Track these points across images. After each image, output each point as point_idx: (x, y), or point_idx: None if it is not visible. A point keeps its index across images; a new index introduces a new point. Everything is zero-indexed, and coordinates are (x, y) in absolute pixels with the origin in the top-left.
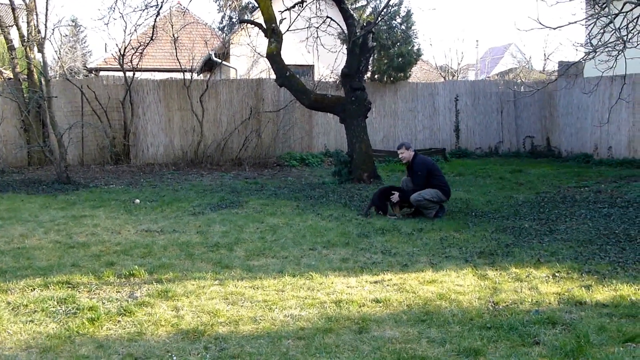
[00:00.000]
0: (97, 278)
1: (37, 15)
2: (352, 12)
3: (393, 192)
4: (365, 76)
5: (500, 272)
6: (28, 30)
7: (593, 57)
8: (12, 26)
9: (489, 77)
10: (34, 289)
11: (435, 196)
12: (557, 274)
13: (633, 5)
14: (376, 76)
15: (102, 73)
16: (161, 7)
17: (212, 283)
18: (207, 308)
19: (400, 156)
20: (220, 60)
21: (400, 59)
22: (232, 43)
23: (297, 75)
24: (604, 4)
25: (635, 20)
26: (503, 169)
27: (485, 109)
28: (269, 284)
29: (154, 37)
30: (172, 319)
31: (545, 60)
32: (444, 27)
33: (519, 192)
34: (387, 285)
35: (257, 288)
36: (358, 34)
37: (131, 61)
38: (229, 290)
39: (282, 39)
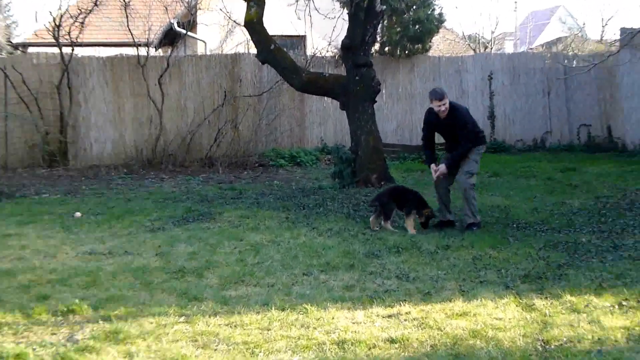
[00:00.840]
0: (25, 316)
1: None
2: None
3: (415, 198)
4: (373, 49)
5: (550, 301)
6: None
7: None
8: None
9: (531, 48)
10: None
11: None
12: (624, 303)
13: None
14: (387, 49)
15: (31, 49)
16: None
17: (176, 320)
18: (170, 354)
19: (441, 109)
20: (184, 31)
21: (417, 26)
22: (199, 8)
23: (285, 49)
24: None
25: None
26: (552, 167)
27: (528, 89)
28: (251, 320)
29: (98, 2)
30: None
31: (603, 26)
32: None
33: (572, 197)
34: (405, 320)
35: (236, 326)
36: None
37: (69, 34)
38: (199, 329)
39: (264, 3)
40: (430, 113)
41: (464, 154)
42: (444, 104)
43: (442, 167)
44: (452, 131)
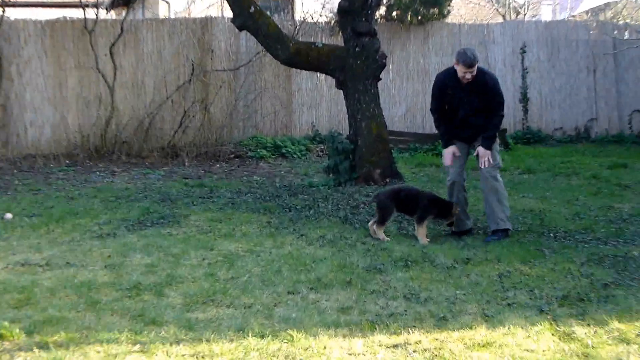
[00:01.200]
0: None
1: None
2: None
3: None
4: (377, 13)
5: (594, 329)
6: None
7: None
8: None
9: (573, 16)
10: None
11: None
12: None
13: None
14: (394, 13)
15: None
16: None
17: (129, 349)
18: None
19: (466, 76)
20: None
21: None
22: None
23: (268, 13)
24: None
25: None
26: (597, 163)
27: (569, 66)
28: (223, 350)
29: None
30: None
31: None
32: None
33: (623, 200)
34: (414, 351)
35: (203, 357)
36: None
37: None
38: None
39: None
40: (447, 75)
41: (497, 132)
42: (471, 72)
43: (483, 150)
44: (475, 101)
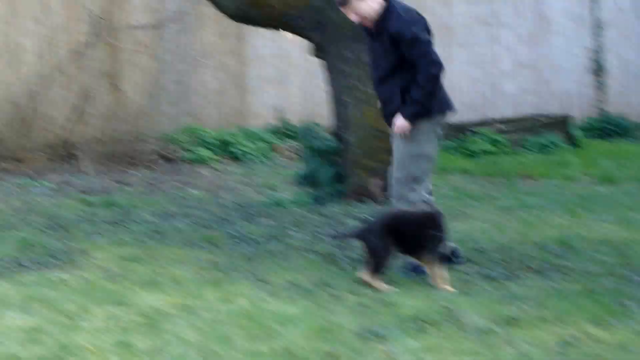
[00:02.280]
0: None
1: None
2: None
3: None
4: None
5: None
6: None
7: None
8: None
9: None
10: None
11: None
12: None
13: None
14: None
15: None
16: None
17: None
18: None
19: (351, 17)
20: None
21: None
22: None
23: None
24: None
25: None
26: None
27: None
28: None
29: None
30: None
31: None
32: None
33: None
34: None
35: None
36: None
37: None
38: None
39: None
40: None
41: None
42: (351, 10)
43: (400, 120)
44: (380, 62)
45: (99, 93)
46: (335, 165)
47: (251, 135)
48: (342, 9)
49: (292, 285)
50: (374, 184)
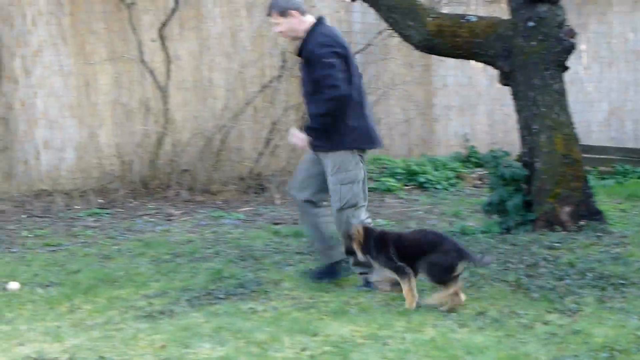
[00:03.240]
0: None
1: None
2: None
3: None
4: None
5: None
6: None
7: None
8: None
9: None
10: None
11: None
12: None
13: None
14: None
15: None
16: None
17: None
18: None
19: (279, 30)
20: None
21: None
22: None
23: None
24: None
25: None
26: None
27: None
28: None
29: None
30: None
31: None
32: None
33: None
34: None
35: None
36: None
37: None
38: None
39: None
40: None
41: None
42: (274, 22)
43: (298, 132)
44: (305, 81)
45: (287, 125)
46: (524, 193)
47: (437, 164)
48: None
49: (480, 315)
50: (563, 211)
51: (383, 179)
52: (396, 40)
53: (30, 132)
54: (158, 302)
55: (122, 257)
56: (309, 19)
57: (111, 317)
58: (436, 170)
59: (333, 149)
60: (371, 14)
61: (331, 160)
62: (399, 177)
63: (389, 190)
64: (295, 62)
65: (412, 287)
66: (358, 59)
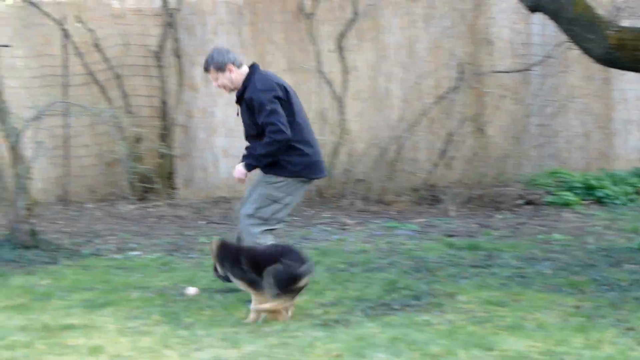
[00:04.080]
0: None
1: None
2: None
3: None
4: None
5: None
6: None
7: None
8: None
9: None
10: None
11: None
12: None
13: None
14: None
15: None
16: None
17: None
18: None
19: (214, 84)
20: None
21: None
22: None
23: None
24: None
25: None
26: None
27: None
28: None
29: None
30: None
31: None
32: None
33: None
34: None
35: None
36: None
37: None
38: None
39: None
40: None
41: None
42: (212, 77)
43: (240, 167)
44: (248, 118)
45: (463, 137)
46: None
47: (616, 179)
48: (209, 72)
49: None
50: None
51: (560, 192)
52: (575, 52)
53: (210, 140)
54: (333, 310)
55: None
56: (244, 70)
57: (287, 325)
58: (615, 185)
59: (277, 174)
60: (550, 26)
61: (272, 176)
62: (576, 191)
63: (566, 205)
64: (474, 74)
65: (261, 303)
66: (537, 71)
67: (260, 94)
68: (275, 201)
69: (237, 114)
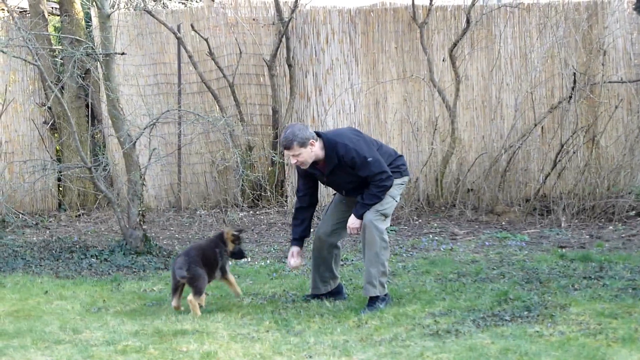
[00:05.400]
0: None
1: None
2: None
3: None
4: None
5: None
6: None
7: None
8: None
9: None
10: None
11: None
12: None
13: None
14: None
15: None
16: None
17: None
18: None
19: (292, 161)
20: None
21: None
22: None
23: None
24: None
25: None
26: None
27: None
28: None
29: None
30: None
31: None
32: None
33: None
34: None
35: None
36: None
37: None
38: None
39: None
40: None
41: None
42: (294, 154)
43: (353, 221)
44: (350, 181)
45: (575, 147)
46: None
47: None
48: (286, 151)
49: None
50: None
51: None
52: None
53: None
54: (444, 320)
55: (408, 274)
56: (319, 142)
57: (398, 334)
58: None
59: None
60: None
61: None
62: None
63: None
64: (587, 84)
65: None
66: None
67: (357, 153)
68: (393, 198)
69: (325, 184)
